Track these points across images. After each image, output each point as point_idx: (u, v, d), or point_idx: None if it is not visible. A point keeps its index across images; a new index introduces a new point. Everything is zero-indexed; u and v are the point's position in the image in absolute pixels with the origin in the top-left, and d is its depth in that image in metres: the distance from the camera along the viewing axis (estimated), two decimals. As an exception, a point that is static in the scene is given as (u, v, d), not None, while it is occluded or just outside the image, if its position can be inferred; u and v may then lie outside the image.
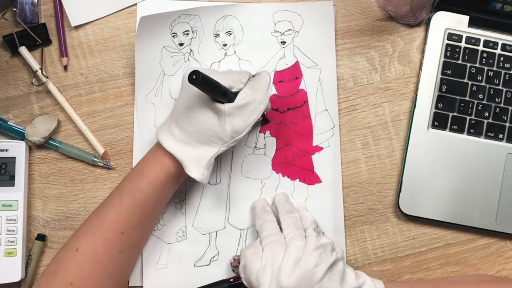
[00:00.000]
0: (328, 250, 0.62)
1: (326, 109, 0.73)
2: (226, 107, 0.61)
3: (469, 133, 0.71)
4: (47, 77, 0.73)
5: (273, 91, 0.73)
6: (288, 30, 0.73)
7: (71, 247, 0.62)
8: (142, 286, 0.71)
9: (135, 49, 0.72)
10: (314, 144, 0.72)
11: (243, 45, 0.73)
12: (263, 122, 0.73)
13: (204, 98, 0.61)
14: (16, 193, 0.70)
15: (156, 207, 0.66)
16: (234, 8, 0.73)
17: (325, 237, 0.64)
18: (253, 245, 0.65)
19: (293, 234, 0.63)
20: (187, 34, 0.73)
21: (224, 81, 0.61)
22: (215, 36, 0.73)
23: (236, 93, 0.62)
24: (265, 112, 0.72)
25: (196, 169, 0.62)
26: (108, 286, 0.62)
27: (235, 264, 0.69)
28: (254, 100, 0.62)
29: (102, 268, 0.61)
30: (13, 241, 0.70)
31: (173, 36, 0.73)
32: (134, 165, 0.72)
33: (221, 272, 0.71)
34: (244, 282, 0.64)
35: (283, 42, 0.73)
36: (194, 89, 0.60)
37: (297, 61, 0.73)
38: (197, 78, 0.55)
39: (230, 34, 0.73)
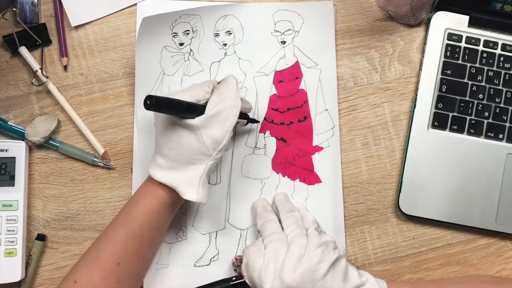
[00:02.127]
0: (331, 248, 0.62)
1: (326, 109, 0.73)
2: (197, 121, 0.60)
3: (469, 133, 0.71)
4: (47, 77, 0.73)
5: (273, 91, 0.73)
6: (288, 30, 0.73)
7: (70, 279, 0.62)
8: (142, 286, 0.71)
9: (136, 49, 0.72)
10: (314, 144, 0.72)
11: (243, 45, 0.73)
12: (253, 122, 0.72)
13: (174, 119, 0.60)
14: (16, 193, 0.70)
15: (152, 236, 0.65)
16: (234, 8, 0.73)
17: (327, 235, 0.64)
18: (255, 243, 0.65)
19: (295, 233, 0.63)
20: (188, 33, 0.73)
21: (188, 96, 0.60)
22: (215, 36, 0.73)
23: (205, 105, 0.62)
24: (247, 114, 0.71)
25: (190, 190, 0.61)
26: None
27: (237, 263, 0.69)
28: (224, 106, 0.61)
29: None
30: (13, 241, 0.70)
31: (174, 36, 0.73)
32: (134, 165, 0.72)
33: (221, 272, 0.71)
34: (247, 281, 0.64)
35: (283, 42, 0.73)
36: (161, 114, 0.59)
37: (297, 61, 0.73)
38: (151, 103, 0.54)
39: (230, 33, 0.73)
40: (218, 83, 0.64)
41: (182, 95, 0.60)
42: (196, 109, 0.60)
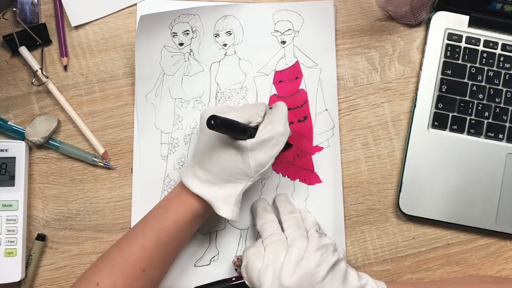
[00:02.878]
0: (330, 250, 0.62)
1: (326, 109, 0.73)
2: (248, 143, 0.60)
3: (469, 133, 0.71)
4: (47, 77, 0.73)
5: (273, 91, 0.73)
6: (288, 30, 0.73)
7: (91, 281, 0.61)
8: (142, 286, 0.71)
9: (135, 49, 0.72)
10: (314, 144, 0.72)
11: (243, 45, 0.73)
12: (286, 147, 0.71)
13: (224, 137, 0.61)
14: (16, 193, 0.70)
15: (178, 246, 0.65)
16: (234, 8, 0.73)
17: (327, 237, 0.64)
18: (254, 245, 0.65)
19: (295, 234, 0.64)
20: (187, 34, 0.73)
21: (242, 118, 0.61)
22: (215, 36, 0.73)
23: (255, 127, 0.62)
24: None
25: (226, 208, 0.62)
26: None
27: (238, 263, 0.69)
28: (276, 133, 0.62)
29: None
30: (13, 241, 0.70)
31: (173, 36, 0.73)
32: (134, 165, 0.72)
33: (221, 272, 0.71)
34: (246, 282, 0.64)
35: (283, 42, 0.73)
36: (213, 131, 0.59)
37: (297, 61, 0.73)
38: (216, 123, 0.55)
39: (230, 34, 0.73)
40: (270, 108, 0.65)
41: (236, 115, 0.61)
42: (247, 132, 0.61)
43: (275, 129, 0.62)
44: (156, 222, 0.63)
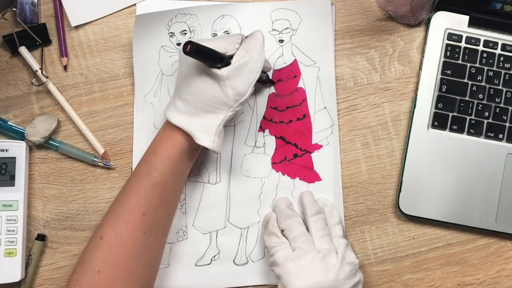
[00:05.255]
0: (356, 269, 0.64)
1: (325, 107, 0.73)
2: (223, 71, 0.61)
3: (469, 133, 0.71)
4: (47, 77, 0.73)
5: (271, 89, 0.73)
6: (286, 28, 0.73)
7: (96, 236, 0.62)
8: (142, 286, 0.71)
9: (133, 49, 0.72)
10: (313, 142, 0.73)
11: (241, 44, 0.73)
12: (270, 83, 0.72)
13: (201, 66, 0.61)
14: (16, 193, 0.70)
15: (174, 184, 0.65)
16: (231, 8, 0.73)
17: (353, 253, 0.65)
18: (282, 247, 0.65)
19: (324, 240, 0.64)
20: (185, 33, 0.73)
21: (218, 47, 0.61)
22: (213, 36, 0.73)
23: (231, 56, 0.62)
24: (267, 73, 0.72)
25: (207, 137, 0.62)
26: (137, 271, 0.62)
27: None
28: (250, 59, 0.62)
29: (128, 253, 0.61)
30: (13, 241, 0.70)
31: (171, 36, 0.73)
32: (134, 165, 0.72)
33: (222, 271, 0.71)
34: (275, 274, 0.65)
35: (281, 41, 0.73)
36: (190, 59, 0.60)
37: (295, 59, 0.73)
38: (192, 48, 0.56)
39: (228, 33, 0.73)
40: (246, 37, 0.65)
41: (213, 44, 0.61)
42: (223, 60, 0.61)
43: (249, 55, 0.62)
44: (147, 164, 0.64)
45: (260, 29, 0.65)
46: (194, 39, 0.59)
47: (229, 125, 0.72)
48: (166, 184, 0.64)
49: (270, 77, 0.72)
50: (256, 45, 0.63)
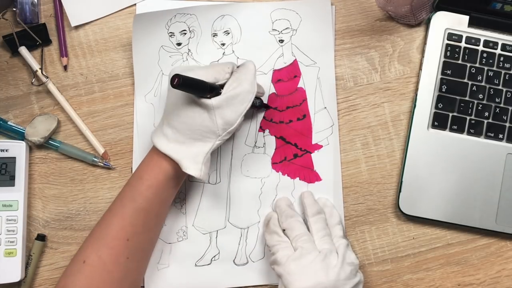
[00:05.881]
0: (356, 270, 0.64)
1: (325, 107, 0.73)
2: (213, 101, 0.61)
3: (469, 133, 0.71)
4: (47, 77, 0.73)
5: (272, 89, 0.73)
6: (286, 28, 0.73)
7: (78, 260, 0.62)
8: (143, 286, 0.71)
9: (133, 49, 0.72)
10: (313, 142, 0.73)
11: (241, 44, 0.73)
12: (265, 108, 0.72)
13: (191, 96, 0.61)
14: (16, 193, 0.70)
15: (159, 210, 0.66)
16: (231, 8, 0.73)
17: (353, 254, 0.65)
18: (283, 246, 0.65)
19: (325, 240, 0.64)
20: (185, 33, 0.73)
21: (208, 76, 0.61)
22: (213, 36, 0.73)
23: (222, 85, 0.62)
24: (262, 99, 0.72)
25: (194, 166, 0.62)
26: None
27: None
28: (241, 90, 0.62)
29: (110, 278, 0.61)
30: (13, 241, 0.70)
31: (171, 36, 0.73)
32: (134, 165, 0.72)
33: (222, 272, 0.71)
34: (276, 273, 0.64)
35: (281, 41, 0.73)
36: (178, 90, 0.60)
37: (295, 59, 0.73)
38: (179, 82, 0.56)
39: (228, 33, 0.73)
40: (238, 67, 0.65)
41: (203, 73, 0.61)
42: (214, 90, 0.61)
43: (241, 86, 0.62)
44: (132, 190, 0.64)
45: (252, 60, 0.65)
46: (184, 67, 0.59)
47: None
48: (150, 211, 0.64)
49: (265, 101, 0.72)
50: (248, 75, 0.63)
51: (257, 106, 0.71)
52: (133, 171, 0.72)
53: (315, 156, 0.72)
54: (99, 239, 0.62)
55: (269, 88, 0.73)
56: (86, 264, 0.61)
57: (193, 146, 0.62)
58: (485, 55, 0.72)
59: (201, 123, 0.61)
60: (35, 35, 0.73)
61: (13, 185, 0.70)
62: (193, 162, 0.62)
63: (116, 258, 0.61)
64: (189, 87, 0.59)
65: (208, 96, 0.61)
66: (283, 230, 0.67)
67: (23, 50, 0.72)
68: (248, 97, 0.62)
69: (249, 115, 0.73)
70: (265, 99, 0.73)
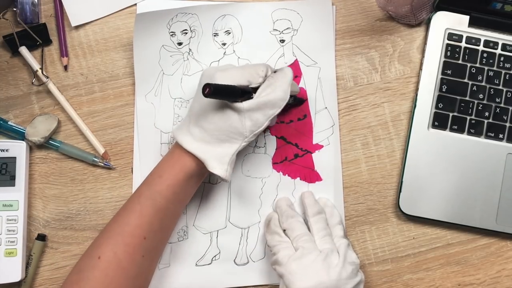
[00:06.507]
0: (357, 269, 0.64)
1: (326, 107, 0.73)
2: (245, 104, 0.61)
3: (469, 133, 0.71)
4: (47, 77, 0.73)
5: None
6: (287, 28, 0.73)
7: (93, 255, 0.61)
8: (142, 286, 0.71)
9: (134, 48, 0.72)
10: (314, 142, 0.73)
11: (242, 44, 0.73)
12: (299, 103, 0.72)
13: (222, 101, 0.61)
14: (16, 193, 0.70)
15: (176, 210, 0.65)
16: (232, 7, 0.73)
17: (354, 253, 0.65)
18: (284, 246, 0.65)
19: (326, 240, 0.64)
20: (186, 33, 0.73)
21: (242, 78, 0.61)
22: (214, 36, 0.73)
23: (255, 88, 0.62)
24: (294, 96, 0.71)
25: (220, 166, 0.62)
26: None
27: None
28: (274, 97, 0.62)
29: (125, 274, 0.61)
30: (13, 241, 0.70)
31: (172, 35, 0.73)
32: (134, 165, 0.72)
33: (222, 271, 0.71)
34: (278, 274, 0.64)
35: (282, 41, 0.73)
36: None
37: (296, 59, 0.73)
38: (209, 91, 0.56)
39: (229, 33, 0.73)
40: (275, 71, 0.65)
41: (237, 75, 0.61)
42: (245, 93, 0.61)
43: (274, 93, 0.62)
44: (151, 188, 0.63)
45: (289, 67, 0.65)
46: (217, 68, 0.59)
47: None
48: (168, 210, 0.63)
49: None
50: (283, 82, 0.63)
51: (290, 103, 0.70)
52: (133, 171, 0.72)
53: (316, 156, 0.72)
54: (116, 236, 0.62)
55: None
56: (101, 260, 0.60)
57: (220, 147, 0.62)
58: (485, 55, 0.72)
59: (230, 124, 0.61)
60: (36, 35, 0.72)
61: (13, 185, 0.70)
62: (219, 163, 0.62)
63: (132, 255, 0.61)
64: (220, 94, 0.58)
65: (240, 100, 0.61)
66: (284, 231, 0.67)
67: (23, 50, 0.72)
68: (280, 104, 0.62)
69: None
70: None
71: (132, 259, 0.61)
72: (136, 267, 0.61)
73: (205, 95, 0.56)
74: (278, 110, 0.62)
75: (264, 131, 0.72)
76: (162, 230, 0.64)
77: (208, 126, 0.62)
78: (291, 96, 0.69)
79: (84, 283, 0.60)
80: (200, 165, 0.62)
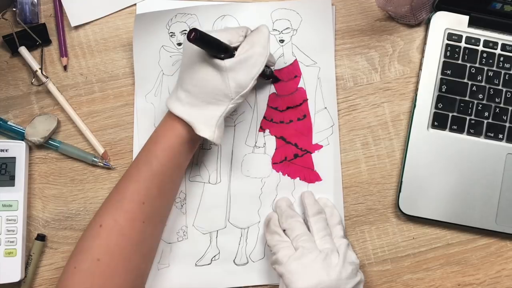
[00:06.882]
0: (357, 269, 0.64)
1: (325, 107, 0.73)
2: (227, 62, 0.61)
3: (469, 133, 0.71)
4: (47, 77, 0.73)
5: (272, 89, 0.73)
6: (287, 28, 0.73)
7: (95, 224, 0.62)
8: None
9: (133, 49, 0.72)
10: (313, 142, 0.73)
11: (241, 44, 0.73)
12: (274, 80, 0.72)
13: (204, 56, 0.62)
14: (16, 193, 0.70)
15: (174, 174, 0.66)
16: (232, 8, 0.73)
17: (354, 253, 0.65)
18: (284, 246, 0.65)
19: (326, 240, 0.64)
20: (185, 33, 0.72)
21: (222, 37, 0.62)
22: (214, 36, 0.73)
23: (236, 48, 0.63)
24: (273, 69, 0.72)
25: (207, 129, 0.62)
26: (135, 259, 0.62)
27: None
28: (254, 53, 0.62)
29: (127, 241, 0.61)
30: (13, 241, 0.70)
31: (171, 36, 0.73)
32: (134, 165, 0.72)
33: (222, 271, 0.71)
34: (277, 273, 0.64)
35: (282, 41, 0.73)
36: (194, 49, 0.60)
37: (296, 59, 0.73)
38: (195, 36, 0.56)
39: (230, 32, 0.73)
40: (252, 31, 0.65)
41: (217, 35, 0.61)
42: (228, 51, 0.61)
43: (254, 49, 0.62)
44: (147, 154, 0.64)
45: (265, 24, 0.65)
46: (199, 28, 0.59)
47: (229, 125, 0.73)
48: (165, 174, 0.64)
49: (266, 99, 0.72)
50: (261, 39, 0.63)
51: (267, 75, 0.70)
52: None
53: (316, 156, 0.72)
54: (115, 203, 0.63)
55: (269, 88, 0.73)
56: (102, 228, 0.61)
57: (207, 109, 0.62)
58: (485, 55, 0.72)
59: (214, 85, 0.62)
60: (35, 35, 0.72)
61: (13, 185, 0.70)
62: (206, 125, 0.62)
63: (132, 221, 0.61)
64: (205, 43, 0.58)
65: (222, 56, 0.61)
66: (284, 231, 0.67)
67: (23, 50, 0.72)
68: (261, 59, 0.62)
69: (247, 121, 0.73)
70: (265, 99, 0.73)
71: (133, 225, 0.62)
72: (138, 233, 0.62)
73: (190, 40, 0.56)
74: (260, 68, 0.62)
75: (264, 131, 0.72)
76: (161, 196, 0.64)
77: (194, 89, 0.62)
78: (268, 66, 0.70)
79: (88, 252, 0.60)
80: (191, 129, 0.63)
